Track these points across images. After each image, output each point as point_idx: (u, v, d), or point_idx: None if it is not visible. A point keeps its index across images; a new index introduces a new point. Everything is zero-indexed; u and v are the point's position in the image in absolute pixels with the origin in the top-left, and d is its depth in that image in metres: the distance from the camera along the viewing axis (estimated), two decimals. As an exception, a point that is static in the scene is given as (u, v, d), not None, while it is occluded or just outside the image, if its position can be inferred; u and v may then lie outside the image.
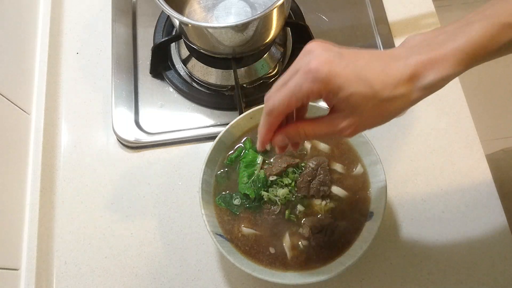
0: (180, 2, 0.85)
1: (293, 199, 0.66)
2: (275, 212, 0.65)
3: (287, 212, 0.65)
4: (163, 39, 0.85)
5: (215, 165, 0.68)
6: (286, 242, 0.65)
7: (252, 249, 0.64)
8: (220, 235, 0.65)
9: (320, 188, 0.67)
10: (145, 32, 0.91)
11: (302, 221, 0.65)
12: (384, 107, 0.40)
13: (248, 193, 0.65)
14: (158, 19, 0.91)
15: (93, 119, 0.85)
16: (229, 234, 0.65)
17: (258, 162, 0.68)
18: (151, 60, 0.86)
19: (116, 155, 0.82)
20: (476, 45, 0.37)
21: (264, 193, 0.65)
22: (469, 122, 0.81)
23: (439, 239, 0.73)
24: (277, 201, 0.65)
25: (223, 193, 0.67)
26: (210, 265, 0.72)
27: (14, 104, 0.75)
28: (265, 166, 0.68)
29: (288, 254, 0.64)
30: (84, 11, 0.95)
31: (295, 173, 0.67)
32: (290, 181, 0.66)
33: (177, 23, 0.78)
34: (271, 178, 0.66)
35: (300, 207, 0.66)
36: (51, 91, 0.85)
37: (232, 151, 0.70)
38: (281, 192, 0.65)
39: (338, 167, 0.70)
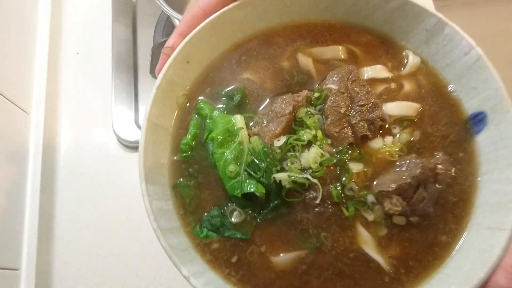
0: (180, 2, 0.85)
1: (335, 160, 0.37)
2: (317, 200, 0.36)
3: (335, 188, 0.36)
4: (163, 39, 0.85)
5: (163, 173, 0.39)
6: (366, 241, 0.36)
7: (313, 283, 0.35)
8: None
9: (369, 116, 0.39)
10: (145, 32, 0.91)
11: (375, 189, 0.36)
12: None
13: (249, 190, 0.36)
14: (158, 19, 0.91)
15: (93, 119, 0.85)
16: (256, 285, 0.36)
17: (239, 126, 0.39)
18: (151, 60, 0.86)
19: (116, 155, 0.82)
20: None
21: (279, 175, 0.36)
22: None
23: None
24: (309, 177, 0.36)
25: (205, 214, 0.38)
26: (210, 265, 0.72)
27: (14, 104, 0.75)
28: (256, 128, 0.40)
29: (382, 261, 0.35)
30: (84, 11, 0.95)
31: (315, 112, 0.40)
32: (313, 132, 0.38)
33: (177, 23, 0.78)
34: (277, 144, 0.38)
35: (354, 166, 0.37)
36: (51, 91, 0.85)
37: (183, 132, 0.40)
38: (310, 157, 0.36)
39: (376, 70, 0.42)
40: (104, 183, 0.79)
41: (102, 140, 0.83)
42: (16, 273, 0.68)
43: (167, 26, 0.91)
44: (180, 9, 0.84)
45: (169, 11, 0.70)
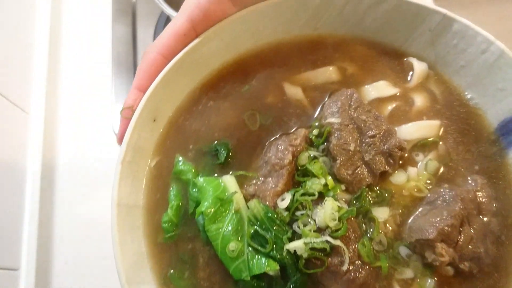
0: (180, 2, 0.85)
1: (355, 209, 0.30)
2: (344, 266, 0.28)
3: (363, 245, 0.29)
4: (163, 39, 0.85)
5: (148, 265, 0.33)
6: None
7: None
8: None
9: (384, 148, 0.32)
10: (145, 32, 0.91)
11: (408, 237, 0.30)
12: None
13: (260, 271, 0.28)
14: (158, 19, 0.91)
15: (93, 119, 0.84)
16: None
17: (231, 190, 0.30)
18: (151, 60, 0.86)
19: (116, 155, 0.81)
20: None
21: (292, 245, 0.29)
22: None
23: None
24: (330, 239, 0.29)
25: None
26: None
27: (12, 103, 0.75)
28: (251, 188, 0.32)
29: None
30: (84, 11, 0.94)
31: (319, 154, 0.33)
32: (322, 180, 0.30)
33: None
34: (282, 204, 0.30)
35: (379, 214, 0.30)
36: (50, 91, 0.84)
37: (162, 206, 0.34)
38: (326, 214, 0.28)
39: (379, 88, 0.35)
40: (104, 183, 0.79)
41: (102, 140, 0.83)
42: (15, 273, 0.68)
43: (167, 26, 0.91)
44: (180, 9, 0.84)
45: (169, 11, 0.70)
